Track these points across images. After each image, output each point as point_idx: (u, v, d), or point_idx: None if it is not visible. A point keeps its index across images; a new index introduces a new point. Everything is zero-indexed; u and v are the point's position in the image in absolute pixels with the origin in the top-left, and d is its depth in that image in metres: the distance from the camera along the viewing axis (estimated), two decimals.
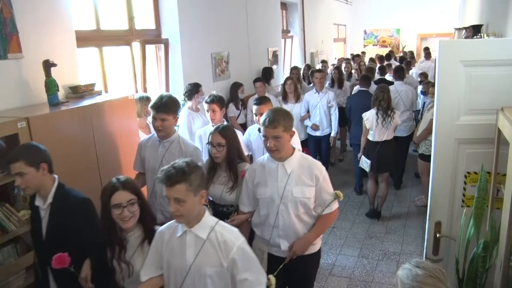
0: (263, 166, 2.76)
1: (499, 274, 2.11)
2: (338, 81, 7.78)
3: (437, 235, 2.58)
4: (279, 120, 2.54)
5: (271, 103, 4.11)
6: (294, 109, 6.13)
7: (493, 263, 2.27)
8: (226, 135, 3.05)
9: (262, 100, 3.99)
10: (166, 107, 3.14)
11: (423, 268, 1.64)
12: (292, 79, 6.34)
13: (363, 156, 5.45)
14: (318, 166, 2.71)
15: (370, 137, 5.33)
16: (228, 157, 3.07)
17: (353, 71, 9.47)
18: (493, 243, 2.24)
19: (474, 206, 2.34)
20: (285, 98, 6.29)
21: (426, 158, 5.21)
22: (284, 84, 6.34)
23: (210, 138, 3.07)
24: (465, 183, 2.59)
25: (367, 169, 5.44)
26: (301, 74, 8.52)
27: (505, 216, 2.05)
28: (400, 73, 6.53)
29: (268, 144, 2.58)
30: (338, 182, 6.65)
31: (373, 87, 6.09)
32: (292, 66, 9.00)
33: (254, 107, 3.95)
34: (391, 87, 5.87)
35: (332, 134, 6.39)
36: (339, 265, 4.50)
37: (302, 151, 3.50)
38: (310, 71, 8.24)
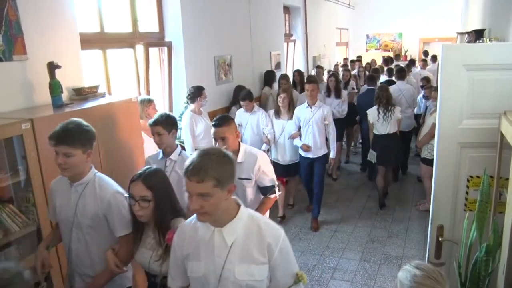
0: (195, 229, 1.93)
1: (501, 278, 2.11)
2: (335, 89, 6.90)
3: (440, 239, 2.58)
4: (207, 170, 1.70)
5: (233, 124, 3.25)
6: (287, 126, 5.41)
7: (495, 267, 2.27)
8: (152, 185, 2.25)
9: (221, 121, 3.15)
10: (70, 137, 2.30)
11: (421, 269, 1.65)
12: (287, 93, 5.42)
13: (371, 149, 6.03)
14: (273, 231, 1.87)
15: (375, 131, 5.90)
16: (157, 215, 2.27)
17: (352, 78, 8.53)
18: (495, 247, 2.23)
19: (476, 210, 2.34)
20: (277, 113, 5.48)
21: (428, 162, 5.22)
22: (277, 97, 5.53)
23: (130, 189, 2.27)
24: (467, 187, 2.59)
25: (373, 161, 5.99)
26: (292, 80, 7.71)
27: (508, 220, 2.05)
28: (401, 74, 7.19)
29: (192, 205, 1.74)
30: (341, 186, 6.66)
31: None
32: (282, 73, 7.67)
33: (212, 130, 3.17)
34: (394, 86, 6.76)
35: (331, 156, 5.40)
36: (340, 268, 4.50)
37: (278, 184, 3.36)
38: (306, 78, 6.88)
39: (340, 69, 9.81)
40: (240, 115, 5.56)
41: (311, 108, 5.23)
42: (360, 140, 8.23)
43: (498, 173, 2.35)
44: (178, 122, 5.18)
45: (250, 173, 3.18)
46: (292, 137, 5.36)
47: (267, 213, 3.39)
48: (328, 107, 5.43)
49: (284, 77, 7.00)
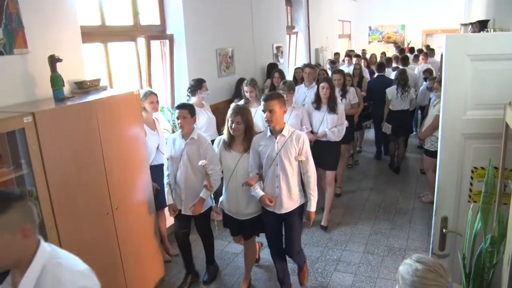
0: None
1: (506, 270, 2.10)
2: (328, 101, 5.03)
3: (444, 231, 2.56)
4: None
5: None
6: (242, 160, 4.01)
7: (500, 259, 2.26)
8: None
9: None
10: None
11: (423, 263, 1.64)
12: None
13: (385, 123, 7.00)
14: None
15: (391, 107, 6.86)
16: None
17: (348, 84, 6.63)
18: (500, 238, 2.22)
19: (481, 201, 2.33)
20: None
21: (432, 154, 5.20)
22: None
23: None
24: (472, 178, 2.58)
25: (388, 132, 7.01)
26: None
27: None
28: (405, 61, 8.65)
29: None
30: (344, 178, 6.65)
31: (387, 73, 8.01)
32: (304, 64, 7.52)
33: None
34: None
35: (310, 209, 3.66)
36: (344, 261, 4.50)
37: None
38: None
39: (327, 67, 8.62)
40: None
41: (275, 138, 3.46)
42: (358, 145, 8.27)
43: (503, 164, 2.34)
44: None
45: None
46: (248, 184, 3.51)
47: None
48: (302, 134, 3.56)
49: (251, 82, 5.25)
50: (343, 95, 5.97)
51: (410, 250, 4.62)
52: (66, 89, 3.44)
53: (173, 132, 4.96)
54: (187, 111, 3.72)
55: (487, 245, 2.27)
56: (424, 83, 7.87)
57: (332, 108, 5.00)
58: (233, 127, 3.57)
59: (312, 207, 3.64)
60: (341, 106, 5.20)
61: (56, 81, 3.21)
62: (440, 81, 3.46)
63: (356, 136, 7.65)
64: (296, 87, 5.77)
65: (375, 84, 7.53)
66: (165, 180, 3.95)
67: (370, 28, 16.87)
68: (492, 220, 2.36)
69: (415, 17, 15.58)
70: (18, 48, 3.13)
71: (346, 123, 5.11)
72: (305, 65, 6.55)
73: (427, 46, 12.31)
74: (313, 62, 10.47)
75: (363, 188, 6.51)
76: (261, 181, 3.63)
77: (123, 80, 4.78)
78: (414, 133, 8.41)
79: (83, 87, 3.58)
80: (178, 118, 3.72)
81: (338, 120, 5.05)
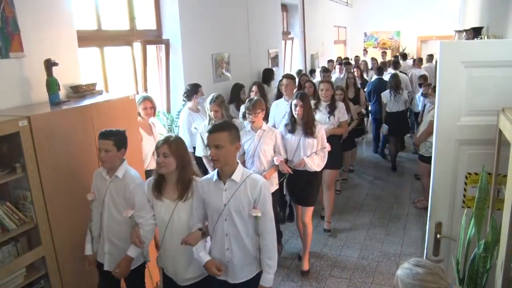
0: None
1: (500, 275, 2.11)
2: (305, 127, 4.14)
3: (438, 236, 2.58)
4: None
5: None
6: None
7: (493, 264, 2.27)
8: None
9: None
10: None
11: (423, 266, 1.65)
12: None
13: (384, 124, 7.43)
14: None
15: (387, 109, 7.33)
16: None
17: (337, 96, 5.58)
18: (494, 244, 2.23)
19: (475, 207, 2.34)
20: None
21: (426, 159, 5.22)
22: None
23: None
24: (465, 184, 2.59)
25: (385, 133, 7.48)
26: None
27: (506, 216, 2.04)
28: (396, 65, 9.06)
29: None
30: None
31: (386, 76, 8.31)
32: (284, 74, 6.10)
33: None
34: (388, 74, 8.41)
35: (263, 283, 2.63)
36: (339, 266, 4.50)
37: None
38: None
39: (318, 77, 8.15)
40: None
41: (223, 184, 2.60)
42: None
43: (496, 170, 2.35)
44: (176, 120, 5.22)
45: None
46: (187, 243, 2.66)
47: None
48: (260, 180, 2.61)
49: (216, 100, 4.41)
50: (331, 112, 5.07)
51: (404, 255, 4.63)
52: (62, 93, 3.44)
53: None
54: (111, 142, 2.85)
55: (481, 251, 2.28)
56: (419, 89, 7.94)
57: (308, 132, 4.10)
58: (159, 161, 2.69)
59: (267, 281, 2.62)
60: (321, 128, 4.19)
61: (52, 85, 3.21)
62: (435, 87, 3.49)
63: (349, 154, 6.99)
64: (275, 102, 5.35)
65: (374, 86, 8.08)
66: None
67: (365, 34, 16.96)
68: (485, 226, 2.37)
69: (410, 24, 15.68)
70: (14, 51, 3.13)
71: (328, 147, 4.21)
72: (284, 75, 5.58)
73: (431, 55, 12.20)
74: (308, 68, 10.51)
75: (358, 194, 6.53)
76: (207, 239, 2.78)
77: (119, 85, 4.78)
78: (409, 134, 8.75)
79: (79, 91, 3.58)
80: (99, 151, 2.89)
81: (318, 144, 4.16)
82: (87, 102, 3.38)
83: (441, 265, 2.58)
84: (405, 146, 8.65)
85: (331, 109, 5.09)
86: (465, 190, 2.60)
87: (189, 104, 4.95)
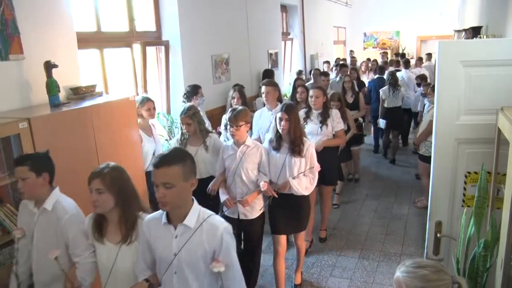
0: None
1: (499, 273, 2.11)
2: (291, 145, 3.60)
3: (438, 235, 2.58)
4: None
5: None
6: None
7: (493, 262, 2.27)
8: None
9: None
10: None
11: (425, 267, 1.65)
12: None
13: (380, 119, 7.79)
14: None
15: (385, 105, 7.67)
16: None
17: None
18: (493, 242, 2.24)
19: (474, 206, 2.35)
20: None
21: (426, 159, 5.22)
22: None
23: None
24: (465, 183, 2.60)
25: (383, 127, 7.83)
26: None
27: (505, 215, 2.05)
28: (407, 64, 9.30)
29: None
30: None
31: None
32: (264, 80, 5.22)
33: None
34: (401, 73, 8.86)
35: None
36: (339, 266, 4.50)
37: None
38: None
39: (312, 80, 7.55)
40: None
41: (174, 229, 2.07)
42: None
43: (495, 169, 2.36)
44: (176, 121, 5.22)
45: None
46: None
47: None
48: (221, 225, 2.07)
49: (187, 111, 4.01)
50: (323, 121, 4.51)
51: (405, 255, 4.63)
52: (62, 95, 3.45)
53: (170, 138, 4.95)
54: (26, 168, 2.38)
55: (481, 249, 2.29)
56: (418, 89, 7.96)
57: (295, 150, 3.53)
58: (91, 199, 2.27)
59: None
60: (310, 146, 3.60)
61: (51, 87, 3.22)
62: (434, 86, 3.49)
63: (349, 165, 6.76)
64: (258, 111, 4.87)
65: (375, 85, 8.31)
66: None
67: (365, 34, 16.97)
68: (485, 224, 2.37)
69: (410, 24, 15.69)
70: (13, 54, 3.14)
71: (317, 167, 3.61)
72: (263, 82, 4.94)
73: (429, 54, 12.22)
74: (308, 69, 10.52)
75: (358, 194, 6.53)
76: None
77: (118, 86, 4.78)
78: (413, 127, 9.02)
79: (78, 93, 3.59)
80: (17, 181, 2.45)
81: (306, 164, 3.58)
82: (87, 103, 3.39)
83: (441, 264, 2.59)
84: (408, 143, 8.82)
85: (323, 118, 4.50)
86: (464, 189, 2.60)
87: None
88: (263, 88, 4.71)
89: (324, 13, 12.46)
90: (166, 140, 4.86)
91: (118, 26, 4.78)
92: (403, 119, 8.24)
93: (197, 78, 5.54)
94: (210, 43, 6.10)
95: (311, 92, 4.59)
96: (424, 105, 6.87)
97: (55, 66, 3.24)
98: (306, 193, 3.60)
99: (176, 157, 1.97)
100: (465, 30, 8.08)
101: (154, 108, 4.31)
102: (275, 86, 4.83)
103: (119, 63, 4.84)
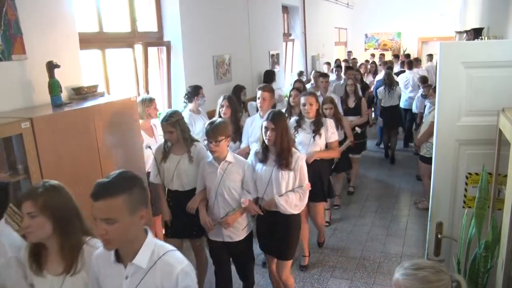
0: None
1: (500, 274, 2.12)
2: (278, 160, 3.30)
3: (439, 236, 2.58)
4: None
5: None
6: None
7: (494, 263, 2.28)
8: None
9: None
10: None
11: (425, 268, 1.65)
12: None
13: (379, 117, 8.27)
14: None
15: (383, 104, 7.99)
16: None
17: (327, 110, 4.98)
18: (494, 243, 2.24)
19: (475, 207, 2.35)
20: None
21: (427, 160, 5.23)
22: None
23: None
24: (466, 184, 2.60)
25: (381, 125, 8.20)
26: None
27: (506, 216, 2.05)
28: (410, 65, 9.35)
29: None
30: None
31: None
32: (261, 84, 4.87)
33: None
34: (405, 74, 9.15)
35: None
36: (340, 267, 4.50)
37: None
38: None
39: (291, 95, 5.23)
40: None
41: (124, 268, 1.79)
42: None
43: (496, 170, 2.37)
44: None
45: None
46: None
47: None
48: (178, 265, 1.77)
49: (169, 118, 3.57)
50: (316, 130, 4.15)
51: (406, 256, 4.63)
52: (64, 95, 3.46)
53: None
54: None
55: (482, 250, 2.29)
56: (420, 90, 7.96)
57: (282, 163, 3.18)
58: (22, 225, 1.98)
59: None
60: (299, 158, 3.24)
61: (54, 87, 3.23)
62: (435, 88, 3.50)
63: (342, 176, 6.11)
64: (250, 118, 4.62)
65: (381, 83, 8.52)
66: None
67: (366, 35, 16.97)
68: (486, 225, 2.38)
69: (411, 25, 15.68)
70: (16, 54, 3.15)
71: (308, 186, 3.28)
72: (260, 86, 4.57)
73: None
74: (309, 70, 10.51)
75: (359, 195, 6.53)
76: None
77: (120, 87, 4.79)
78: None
79: (80, 93, 3.60)
80: None
81: (296, 178, 3.25)
82: (89, 104, 3.40)
83: (442, 265, 2.59)
84: (409, 144, 8.88)
85: (316, 127, 4.16)
86: (465, 190, 2.61)
87: (190, 105, 4.97)
88: (259, 93, 4.40)
89: (325, 14, 12.47)
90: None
91: (120, 27, 4.79)
92: (401, 118, 8.40)
93: (199, 78, 5.55)
94: (211, 44, 6.11)
95: (303, 100, 4.20)
96: (425, 106, 6.89)
97: (57, 66, 3.24)
98: (295, 211, 3.26)
99: (119, 186, 1.65)
100: (466, 31, 8.08)
101: (156, 107, 4.36)
102: (273, 92, 4.56)
103: (120, 64, 4.86)
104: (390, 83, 7.91)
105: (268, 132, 3.15)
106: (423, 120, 6.07)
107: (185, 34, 5.44)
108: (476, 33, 6.91)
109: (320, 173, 4.19)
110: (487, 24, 7.14)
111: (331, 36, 13.71)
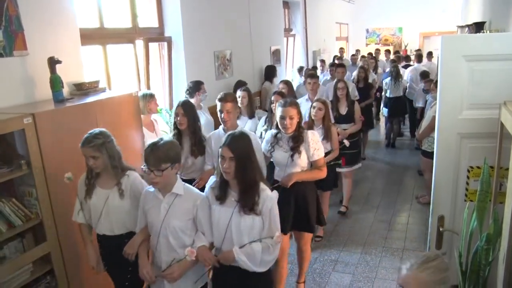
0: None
1: (501, 267, 2.12)
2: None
3: (440, 229, 2.59)
4: None
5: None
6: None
7: (495, 256, 2.28)
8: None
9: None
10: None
11: (435, 258, 1.71)
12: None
13: (384, 107, 8.89)
14: None
15: (387, 95, 8.55)
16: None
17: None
18: (496, 236, 2.25)
19: (477, 200, 2.36)
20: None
21: (429, 155, 5.23)
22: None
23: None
24: (468, 177, 2.61)
25: (385, 115, 8.76)
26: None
27: (508, 209, 2.06)
28: (419, 58, 9.60)
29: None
30: None
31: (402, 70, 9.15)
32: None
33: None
34: (413, 67, 9.28)
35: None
36: (342, 261, 4.52)
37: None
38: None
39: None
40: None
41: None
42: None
43: (498, 163, 2.37)
44: None
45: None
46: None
47: None
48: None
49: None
50: (295, 148, 3.33)
51: (407, 250, 4.64)
52: (65, 91, 3.46)
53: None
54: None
55: (483, 243, 2.30)
56: (421, 84, 7.94)
57: (247, 205, 2.38)
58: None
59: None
60: (267, 199, 2.41)
61: (55, 82, 3.23)
62: (437, 82, 3.49)
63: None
64: (214, 133, 3.88)
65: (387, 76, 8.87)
66: None
67: (367, 30, 16.92)
68: (487, 219, 2.38)
69: (413, 20, 15.63)
70: (18, 50, 3.15)
71: (280, 237, 2.42)
72: (221, 98, 3.71)
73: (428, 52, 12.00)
74: (310, 65, 10.50)
75: (361, 189, 6.53)
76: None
77: (121, 82, 4.80)
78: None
79: (82, 89, 3.60)
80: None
81: (264, 223, 2.43)
82: (90, 99, 3.40)
83: (444, 257, 2.60)
84: (414, 135, 9.03)
85: (295, 143, 3.32)
86: (467, 183, 2.62)
87: (192, 101, 4.96)
88: (220, 105, 3.61)
89: (327, 9, 12.44)
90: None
91: (121, 23, 4.79)
92: (405, 108, 8.82)
93: (200, 74, 5.55)
94: (212, 39, 6.10)
95: (280, 111, 3.31)
96: (426, 101, 6.88)
97: (59, 62, 3.25)
98: (260, 269, 2.43)
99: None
100: (468, 25, 8.07)
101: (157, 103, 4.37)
102: (236, 102, 3.81)
103: (122, 59, 4.86)
104: (396, 75, 8.45)
105: (226, 163, 2.34)
106: (424, 115, 6.07)
107: (186, 30, 5.43)
108: (478, 27, 6.90)
109: (305, 196, 3.43)
110: (489, 18, 7.12)
111: (332, 31, 13.68)
